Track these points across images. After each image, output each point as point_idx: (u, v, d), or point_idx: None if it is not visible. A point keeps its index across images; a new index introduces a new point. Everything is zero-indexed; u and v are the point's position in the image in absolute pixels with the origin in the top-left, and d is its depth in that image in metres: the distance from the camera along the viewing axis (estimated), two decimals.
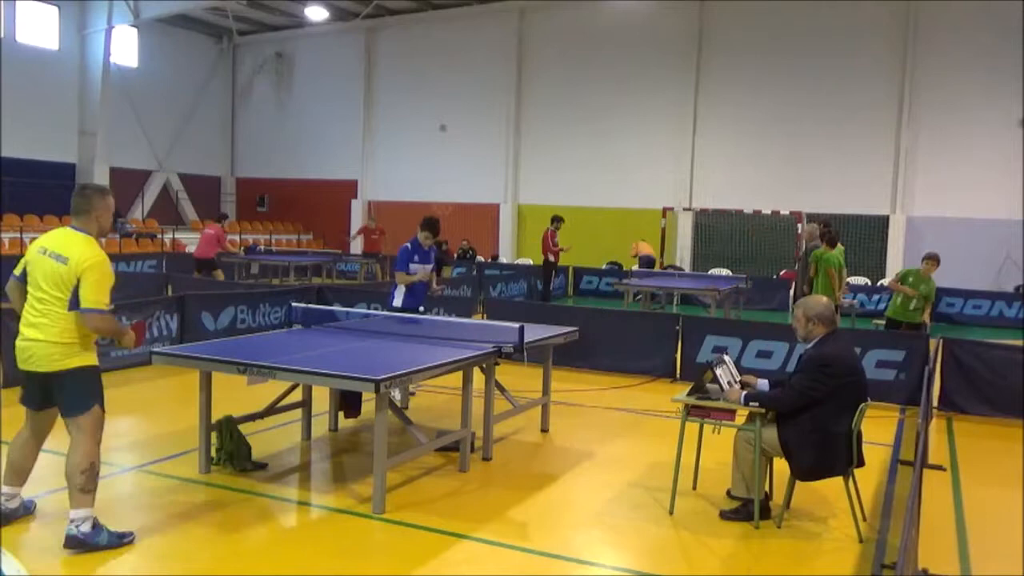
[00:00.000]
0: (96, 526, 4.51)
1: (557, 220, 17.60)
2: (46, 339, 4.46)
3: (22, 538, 4.62)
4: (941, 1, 19.40)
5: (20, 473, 4.81)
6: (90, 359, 4.57)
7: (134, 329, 4.84)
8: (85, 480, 4.47)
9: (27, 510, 4.89)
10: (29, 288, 4.58)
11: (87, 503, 4.49)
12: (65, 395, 4.54)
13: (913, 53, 19.75)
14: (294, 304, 8.05)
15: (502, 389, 7.08)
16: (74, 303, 4.43)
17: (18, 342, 4.59)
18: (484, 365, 6.25)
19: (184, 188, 27.34)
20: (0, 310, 8.41)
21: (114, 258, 14.74)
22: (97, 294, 4.42)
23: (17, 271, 4.69)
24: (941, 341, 8.71)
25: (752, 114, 21.58)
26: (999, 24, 18.76)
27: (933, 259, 10.44)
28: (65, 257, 4.45)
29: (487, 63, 24.60)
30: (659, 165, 22.43)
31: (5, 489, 4.79)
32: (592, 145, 23.26)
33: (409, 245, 8.28)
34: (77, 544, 4.44)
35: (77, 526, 4.45)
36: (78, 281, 4.42)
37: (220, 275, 15.43)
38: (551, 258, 17.58)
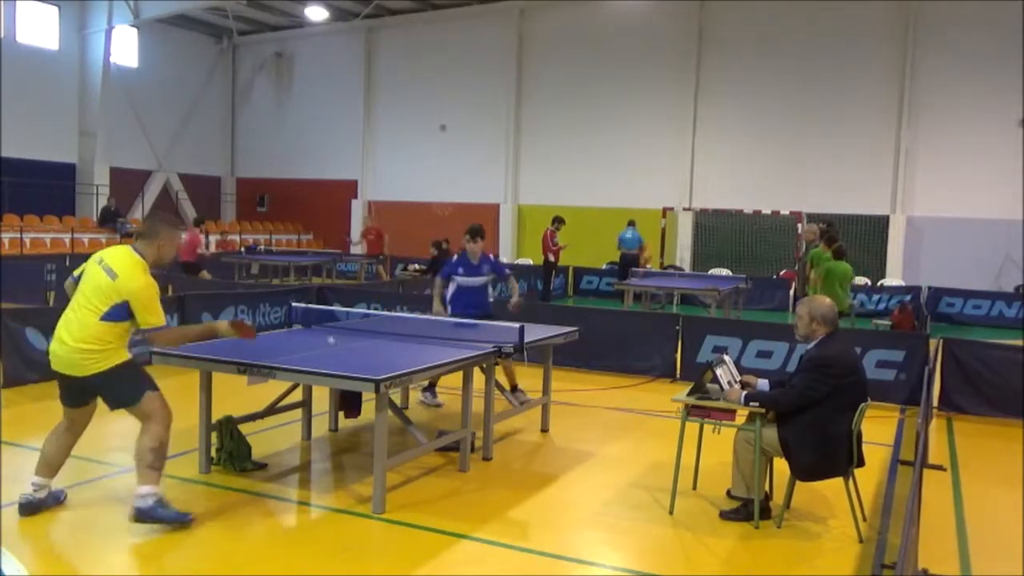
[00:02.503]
0: (161, 502, 4.73)
1: (558, 220, 17.66)
2: (75, 345, 4.64)
3: (23, 538, 4.61)
4: (941, 1, 19.40)
5: (52, 465, 4.93)
6: (122, 357, 4.75)
7: (235, 327, 5.11)
8: (153, 458, 4.73)
9: (57, 500, 5.01)
10: (76, 293, 4.80)
11: (153, 480, 4.73)
12: (109, 393, 4.76)
13: (913, 53, 19.75)
14: (294, 304, 8.05)
15: (502, 389, 7.09)
16: (111, 316, 4.63)
17: (52, 344, 4.77)
18: (484, 365, 6.25)
19: (184, 188, 27.33)
20: (0, 310, 8.43)
21: None
22: (150, 315, 4.68)
23: (76, 272, 4.92)
24: (941, 341, 8.71)
25: (752, 114, 21.58)
26: (999, 24, 18.76)
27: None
28: (115, 273, 4.68)
29: (487, 63, 24.60)
30: (659, 165, 22.43)
31: (35, 479, 4.90)
32: (592, 145, 23.27)
33: (455, 257, 8.11)
34: (144, 516, 4.67)
35: (143, 500, 4.68)
36: (125, 302, 4.65)
37: (206, 275, 15.45)
38: (551, 258, 17.59)
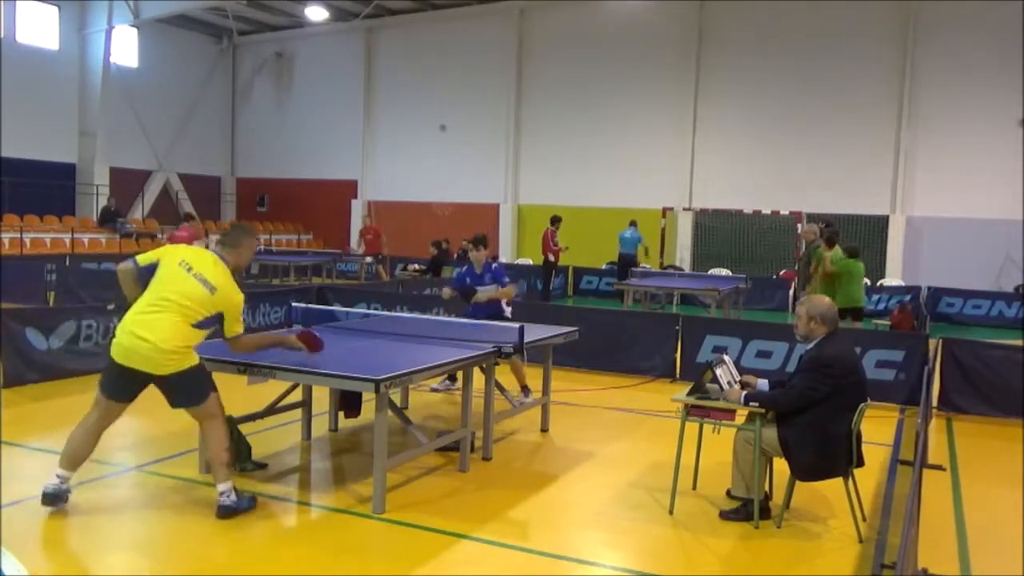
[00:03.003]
0: (238, 494, 5.00)
1: (557, 220, 17.71)
2: (161, 344, 4.72)
3: (23, 538, 4.62)
4: (941, 1, 19.41)
5: (76, 459, 4.95)
6: (196, 358, 4.94)
7: (302, 339, 5.46)
8: (228, 456, 5.03)
9: (65, 497, 4.99)
10: (161, 292, 4.80)
11: (229, 476, 5.02)
12: (179, 392, 4.92)
13: (913, 53, 19.75)
14: (294, 304, 8.05)
15: (502, 389, 7.09)
16: (205, 324, 4.89)
17: (125, 338, 4.75)
18: (484, 365, 6.25)
19: (184, 188, 27.34)
20: (0, 310, 8.43)
21: (114, 258, 14.79)
22: (236, 324, 5.04)
23: (143, 261, 4.94)
24: (941, 341, 8.71)
25: (752, 114, 21.58)
26: (999, 24, 18.76)
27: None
28: (214, 287, 4.87)
29: (487, 63, 24.60)
30: (659, 165, 22.44)
31: (60, 471, 4.90)
32: (592, 145, 23.27)
33: (464, 268, 8.32)
34: (230, 512, 4.92)
35: (228, 497, 4.93)
36: (219, 313, 4.91)
37: None
38: (551, 258, 17.61)
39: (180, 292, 4.81)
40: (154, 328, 4.72)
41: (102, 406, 4.93)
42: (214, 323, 4.95)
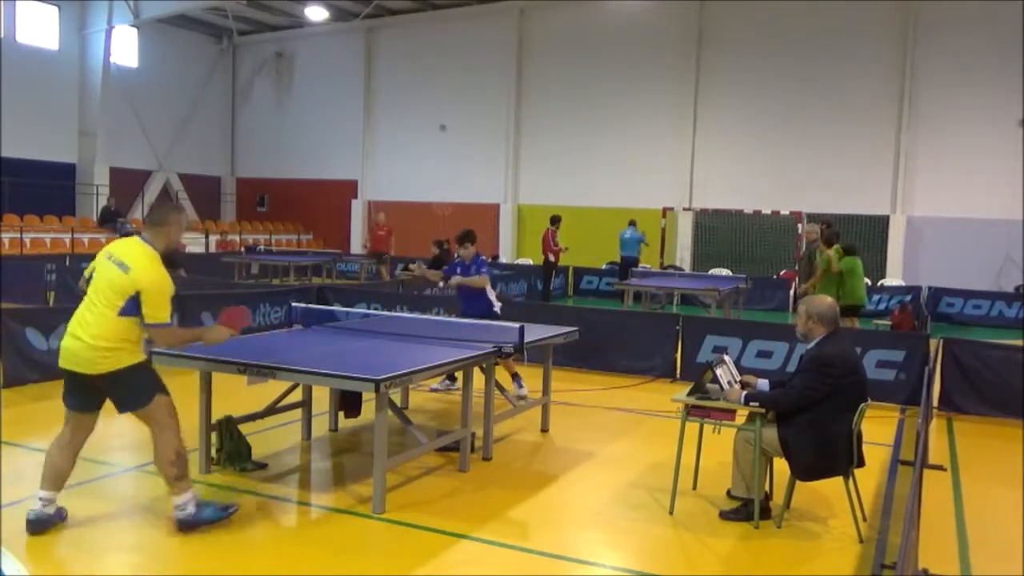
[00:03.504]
0: (199, 504, 4.73)
1: (557, 220, 17.72)
2: (92, 342, 4.51)
3: (23, 538, 4.61)
4: (941, 1, 19.41)
5: (58, 478, 4.72)
6: (138, 357, 4.65)
7: (228, 316, 4.96)
8: (176, 470, 4.67)
9: (60, 518, 4.77)
10: (90, 290, 4.67)
11: (183, 488, 4.69)
12: (120, 394, 4.63)
13: (913, 53, 19.75)
14: (294, 304, 8.05)
15: (502, 389, 7.09)
16: (128, 311, 4.53)
17: (65, 340, 4.63)
18: (484, 365, 6.25)
19: (184, 188, 27.34)
20: (0, 310, 8.43)
21: None
22: (157, 310, 4.56)
23: (87, 272, 4.79)
24: (941, 341, 8.71)
25: (752, 114, 21.58)
26: (999, 24, 18.76)
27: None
28: (128, 267, 4.56)
29: (487, 63, 24.60)
30: (659, 165, 22.44)
31: (42, 494, 4.69)
32: (592, 145, 23.27)
33: (454, 263, 8.72)
34: (188, 527, 4.67)
35: (182, 510, 4.67)
36: (137, 294, 4.52)
37: (183, 273, 15.44)
38: (551, 258, 17.60)
39: (104, 280, 4.59)
40: (85, 324, 4.55)
41: (70, 421, 4.73)
42: (137, 307, 4.52)
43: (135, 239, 4.76)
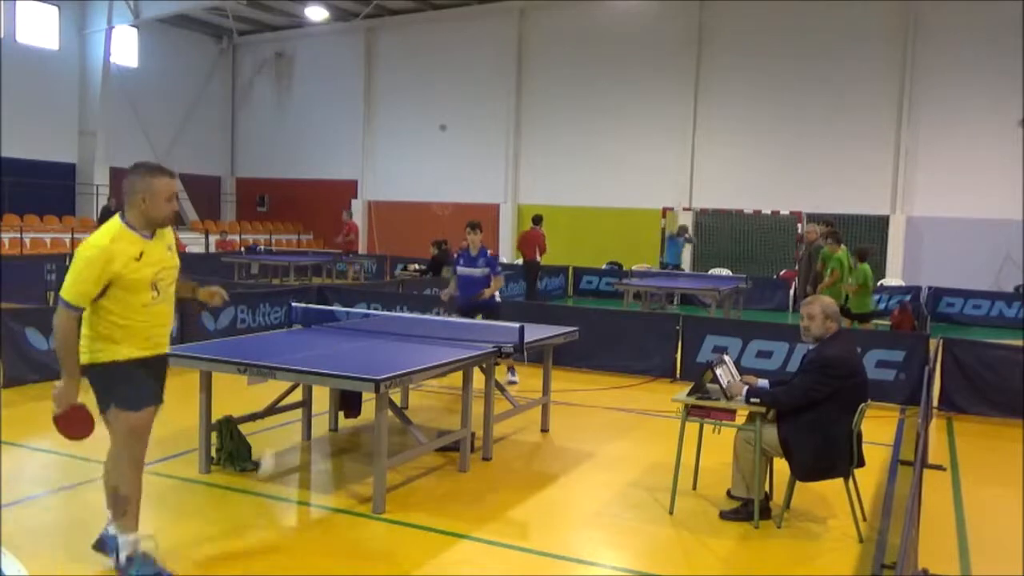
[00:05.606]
0: (131, 558, 3.95)
1: (541, 220, 17.24)
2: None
3: (23, 538, 4.61)
4: (941, 1, 19.40)
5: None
6: (103, 355, 3.94)
7: (67, 419, 3.90)
8: (117, 507, 4.00)
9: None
10: None
11: (123, 528, 3.99)
12: (91, 389, 4.01)
13: (913, 53, 19.75)
14: (294, 304, 8.05)
15: (502, 389, 7.08)
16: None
17: None
18: (484, 365, 6.25)
19: (184, 188, 27.30)
20: (0, 310, 8.43)
21: None
22: (68, 282, 3.80)
23: None
24: (941, 341, 8.70)
25: (752, 114, 21.58)
26: (999, 24, 18.76)
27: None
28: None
29: (487, 63, 24.60)
30: (659, 165, 22.43)
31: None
32: (592, 145, 23.27)
33: (460, 251, 8.99)
34: (116, 566, 4.04)
35: (118, 554, 4.01)
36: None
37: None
38: (538, 258, 17.36)
39: None
40: None
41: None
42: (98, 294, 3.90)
43: (113, 218, 4.11)
